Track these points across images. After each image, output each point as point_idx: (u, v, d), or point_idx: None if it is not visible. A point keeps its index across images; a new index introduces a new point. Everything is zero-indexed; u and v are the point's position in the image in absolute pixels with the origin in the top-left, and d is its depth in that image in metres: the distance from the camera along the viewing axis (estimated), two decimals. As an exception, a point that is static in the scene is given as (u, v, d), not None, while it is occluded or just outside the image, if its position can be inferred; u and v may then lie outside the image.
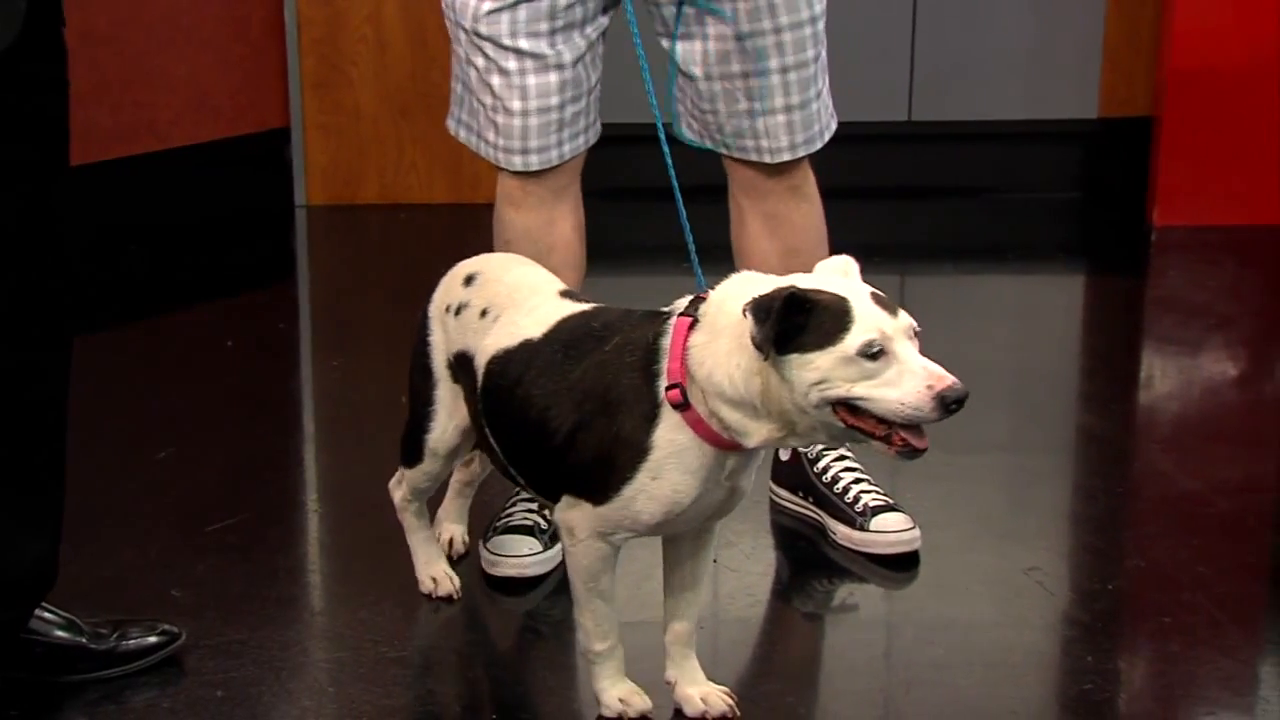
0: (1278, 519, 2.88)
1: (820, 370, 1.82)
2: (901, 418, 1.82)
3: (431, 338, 2.27)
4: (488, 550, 2.56)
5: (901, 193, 4.96)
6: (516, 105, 2.48)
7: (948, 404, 1.80)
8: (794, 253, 2.57)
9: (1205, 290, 4.17)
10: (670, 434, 1.94)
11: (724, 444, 1.94)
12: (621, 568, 2.56)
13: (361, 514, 2.73)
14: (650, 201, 4.89)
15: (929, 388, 1.80)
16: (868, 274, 1.99)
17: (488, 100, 2.50)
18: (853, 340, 1.81)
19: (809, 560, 2.65)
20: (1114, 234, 4.73)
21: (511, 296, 2.19)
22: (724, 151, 2.58)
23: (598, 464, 1.98)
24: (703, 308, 1.94)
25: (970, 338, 3.75)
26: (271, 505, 2.87)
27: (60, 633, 2.22)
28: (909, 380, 1.81)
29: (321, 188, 4.97)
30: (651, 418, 1.94)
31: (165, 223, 4.65)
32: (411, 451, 2.34)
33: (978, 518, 2.80)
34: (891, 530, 2.61)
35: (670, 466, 1.95)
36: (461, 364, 2.22)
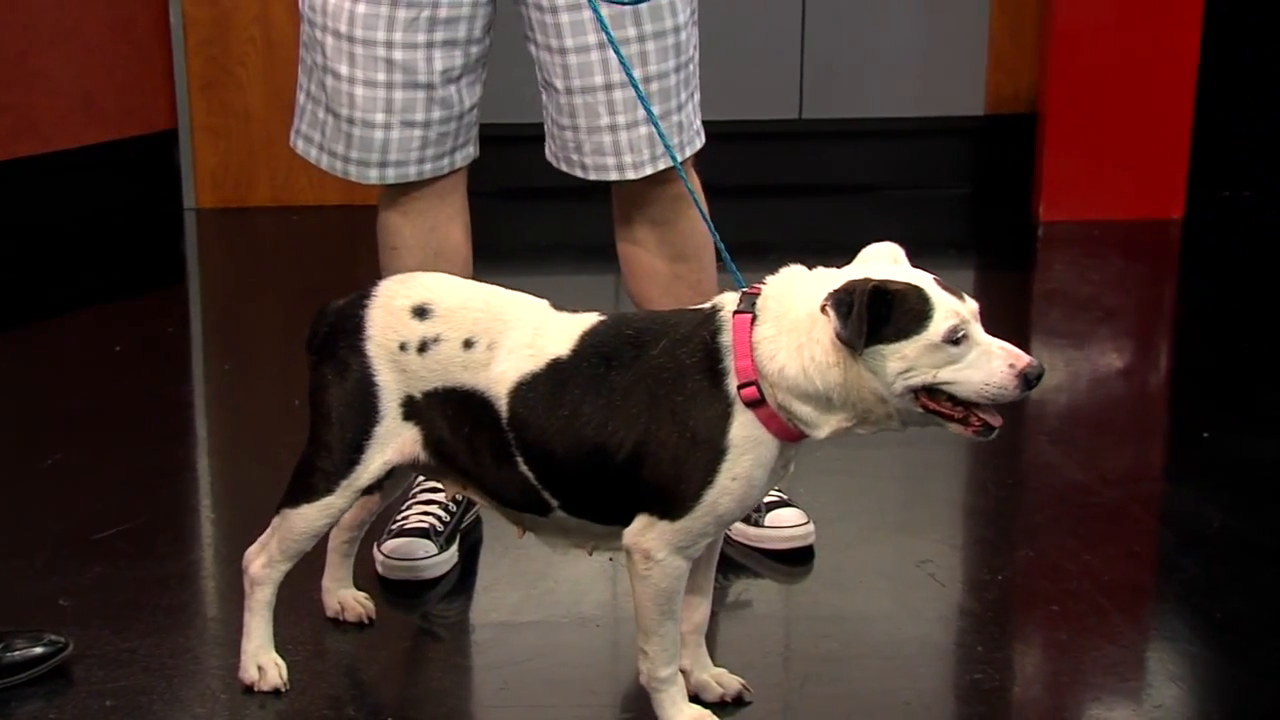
0: (1161, 507, 2.94)
1: (907, 359, 1.86)
2: (986, 398, 1.88)
3: (379, 378, 2.07)
4: (383, 553, 2.54)
5: (793, 190, 5.00)
6: (380, 118, 2.42)
7: (1030, 380, 1.87)
8: (683, 258, 2.57)
9: (1090, 284, 4.25)
10: (745, 431, 1.93)
11: (794, 436, 1.96)
12: (515, 567, 2.57)
13: (255, 518, 2.69)
14: (541, 201, 4.90)
15: (1010, 366, 1.87)
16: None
17: (344, 111, 2.44)
18: (937, 327, 1.86)
19: (704, 557, 2.66)
20: (1002, 229, 4.80)
21: (499, 318, 2.05)
22: (580, 175, 2.49)
23: (674, 473, 1.94)
24: (759, 302, 1.95)
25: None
26: (162, 511, 2.84)
27: (-58, 645, 2.18)
28: (991, 361, 1.87)
29: (211, 190, 4.92)
30: (725, 416, 1.93)
31: (50, 226, 4.57)
32: (317, 484, 2.11)
33: (871, 512, 2.83)
34: (786, 525, 2.62)
35: (747, 462, 1.94)
36: (444, 402, 2.06)
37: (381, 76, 2.40)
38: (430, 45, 2.40)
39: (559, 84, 2.43)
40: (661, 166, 2.47)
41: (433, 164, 2.49)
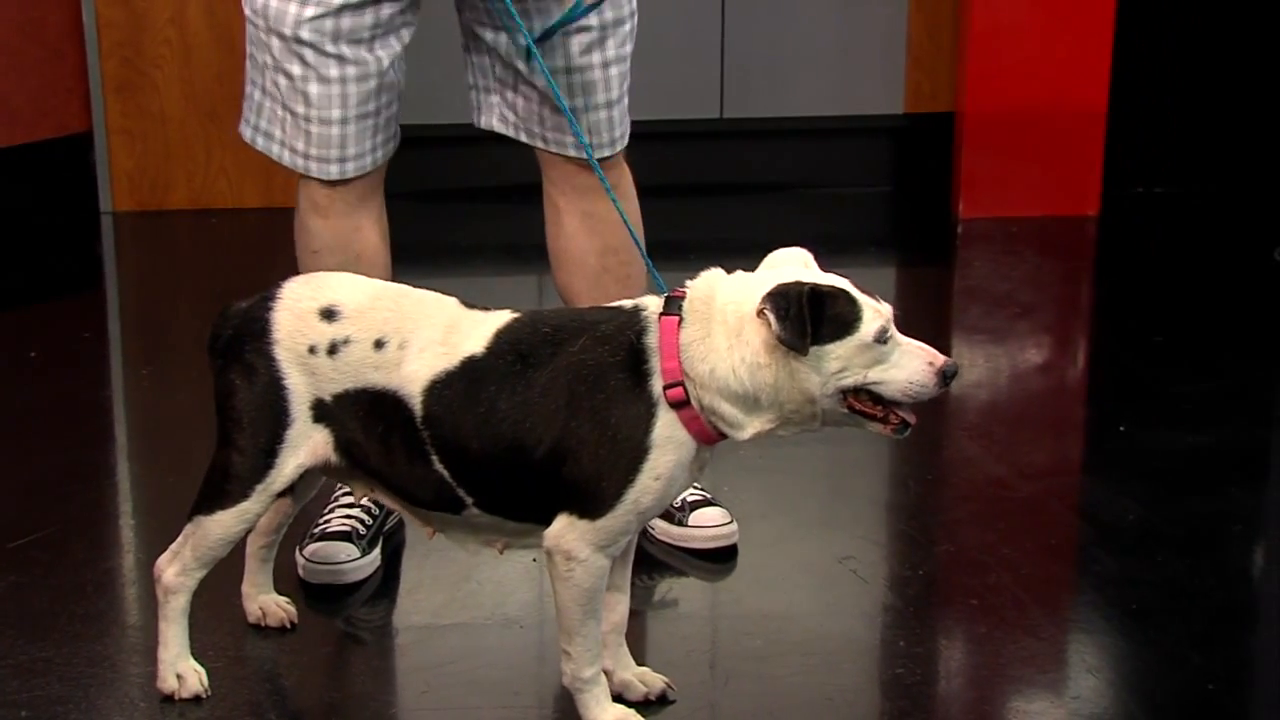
0: (1079, 501, 2.97)
1: (841, 359, 1.91)
2: (909, 396, 1.94)
3: (287, 381, 2.05)
4: (305, 557, 2.53)
5: (715, 189, 5.01)
6: (336, 114, 2.43)
7: (947, 378, 1.94)
8: (613, 250, 2.58)
9: (1008, 280, 4.29)
10: (667, 431, 1.95)
11: (713, 439, 1.99)
12: (439, 569, 2.57)
13: (174, 523, 2.67)
14: (457, 203, 4.89)
15: (930, 364, 1.93)
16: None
17: (299, 109, 2.44)
18: (868, 327, 1.91)
19: (628, 556, 2.66)
20: (922, 226, 4.85)
21: (409, 317, 2.04)
22: (541, 146, 2.56)
23: (595, 471, 1.95)
24: (685, 305, 1.97)
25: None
26: (79, 518, 2.80)
27: None
28: (913, 361, 1.93)
29: (128, 193, 4.86)
30: (649, 416, 1.95)
31: (-37, 231, 4.51)
32: (232, 490, 2.09)
33: (793, 509, 2.85)
34: (709, 525, 2.63)
35: (669, 462, 1.96)
36: (355, 404, 2.05)
37: (334, 73, 2.42)
38: (373, 38, 2.43)
39: (522, 66, 2.49)
40: (619, 148, 2.57)
41: (382, 150, 2.52)
